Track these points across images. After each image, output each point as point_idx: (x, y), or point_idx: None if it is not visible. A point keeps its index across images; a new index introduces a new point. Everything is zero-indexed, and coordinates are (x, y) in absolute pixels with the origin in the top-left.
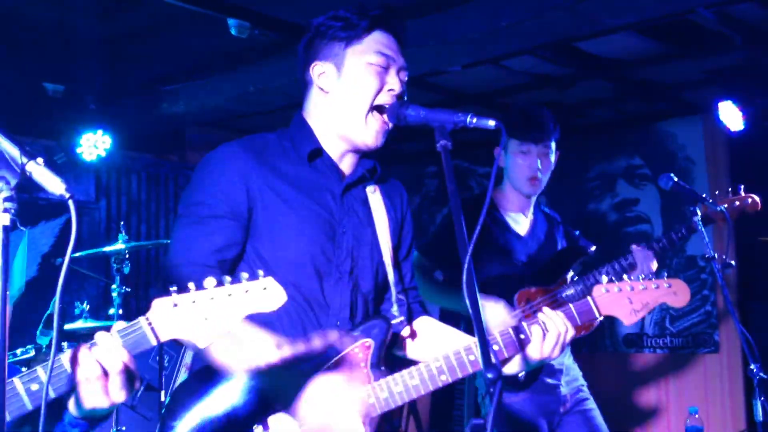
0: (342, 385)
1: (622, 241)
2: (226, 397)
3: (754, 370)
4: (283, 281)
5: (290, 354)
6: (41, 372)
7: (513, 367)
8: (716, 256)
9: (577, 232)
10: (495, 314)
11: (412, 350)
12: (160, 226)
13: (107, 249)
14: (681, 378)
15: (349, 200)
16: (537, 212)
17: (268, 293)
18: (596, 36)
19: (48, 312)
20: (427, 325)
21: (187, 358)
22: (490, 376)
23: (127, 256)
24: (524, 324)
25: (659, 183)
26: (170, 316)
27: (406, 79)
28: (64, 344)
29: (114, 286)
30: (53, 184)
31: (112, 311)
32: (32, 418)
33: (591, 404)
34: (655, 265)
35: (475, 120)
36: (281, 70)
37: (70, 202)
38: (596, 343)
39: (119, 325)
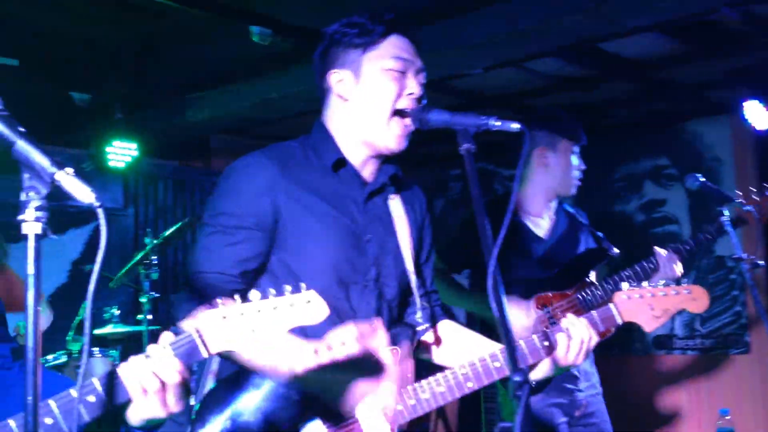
0: (372, 392)
1: (650, 242)
2: (258, 404)
3: None
4: None
5: (327, 360)
6: (97, 383)
7: (537, 374)
8: (745, 256)
9: (601, 234)
10: (515, 317)
11: (437, 355)
12: (187, 233)
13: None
14: (711, 379)
15: (372, 208)
16: (559, 213)
17: (311, 307)
18: (619, 37)
19: (78, 318)
20: (450, 329)
21: (214, 365)
22: (517, 380)
23: (156, 262)
24: (548, 331)
25: (686, 183)
26: (220, 329)
27: (425, 81)
28: (95, 350)
29: (143, 292)
30: (82, 193)
31: (141, 316)
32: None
33: (604, 416)
34: (679, 268)
35: (498, 123)
36: (303, 76)
37: (100, 211)
38: (626, 345)
39: (168, 337)
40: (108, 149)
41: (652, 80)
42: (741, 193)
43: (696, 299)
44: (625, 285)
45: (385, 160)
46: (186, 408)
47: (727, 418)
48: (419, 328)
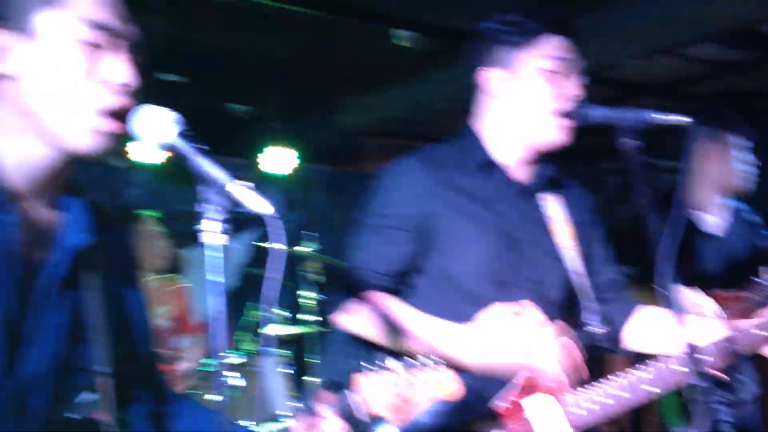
0: (550, 398)
1: None
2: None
3: None
4: (466, 294)
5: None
6: None
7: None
8: None
9: None
10: (706, 305)
11: (634, 344)
12: (345, 236)
13: (297, 252)
14: None
15: (527, 209)
16: (728, 210)
17: (450, 384)
18: None
19: (243, 318)
20: (645, 316)
21: None
22: (702, 386)
23: (319, 265)
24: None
25: None
26: (374, 395)
27: (582, 80)
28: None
29: (304, 293)
30: (258, 204)
31: (304, 317)
32: None
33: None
34: None
35: (662, 117)
36: (452, 78)
37: (273, 219)
38: None
39: (326, 397)
40: (267, 157)
41: None
42: None
43: None
44: None
45: (540, 159)
46: None
47: None
48: (598, 333)
